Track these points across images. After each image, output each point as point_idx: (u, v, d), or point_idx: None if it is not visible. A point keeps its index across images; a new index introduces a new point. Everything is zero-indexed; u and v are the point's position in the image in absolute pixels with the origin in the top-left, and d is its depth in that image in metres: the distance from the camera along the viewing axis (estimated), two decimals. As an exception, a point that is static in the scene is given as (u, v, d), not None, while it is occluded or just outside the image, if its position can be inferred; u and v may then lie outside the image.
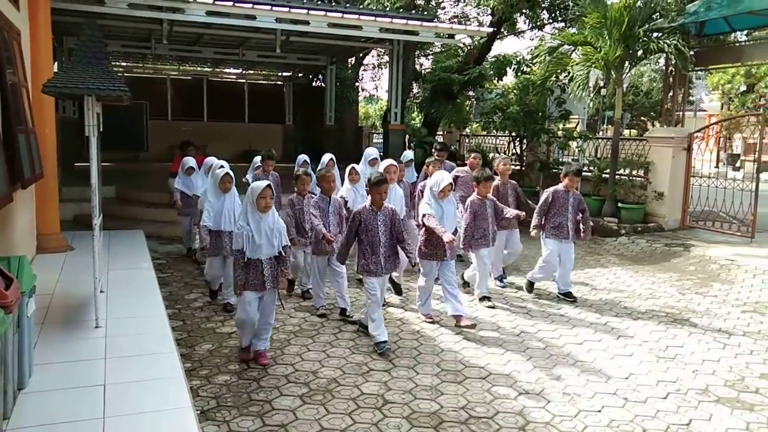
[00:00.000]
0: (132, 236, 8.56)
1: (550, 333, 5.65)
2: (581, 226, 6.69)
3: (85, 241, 6.52)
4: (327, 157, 7.79)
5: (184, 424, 3.41)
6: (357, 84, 22.63)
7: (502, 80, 16.29)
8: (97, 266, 4.99)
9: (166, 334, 4.80)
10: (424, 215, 5.61)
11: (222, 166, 6.24)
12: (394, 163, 6.66)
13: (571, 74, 11.73)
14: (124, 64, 19.04)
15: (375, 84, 29.56)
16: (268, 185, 4.60)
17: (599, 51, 10.79)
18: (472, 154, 8.12)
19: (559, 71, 12.28)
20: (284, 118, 19.84)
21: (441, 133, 18.86)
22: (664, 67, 13.18)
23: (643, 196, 11.21)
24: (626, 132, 24.25)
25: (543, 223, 6.75)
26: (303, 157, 8.20)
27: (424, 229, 5.64)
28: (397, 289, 6.71)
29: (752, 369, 4.91)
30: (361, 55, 20.89)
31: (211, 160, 7.43)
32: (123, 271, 6.66)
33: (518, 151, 14.54)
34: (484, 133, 17.17)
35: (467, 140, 18.24)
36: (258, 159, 8.25)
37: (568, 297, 6.73)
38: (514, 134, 14.43)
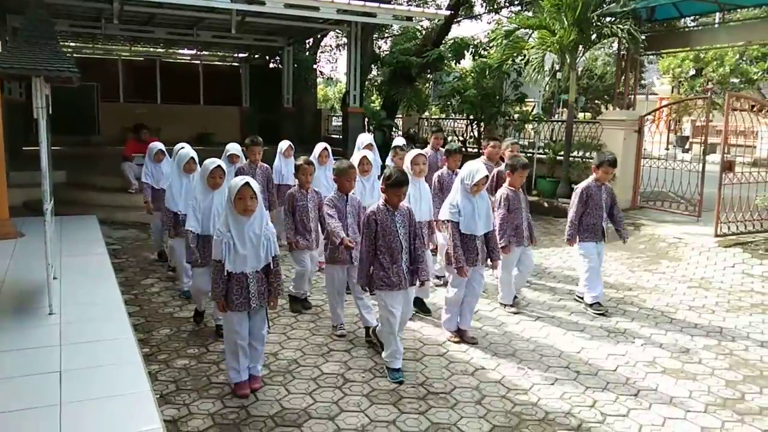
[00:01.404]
0: (85, 222, 8.37)
1: (505, 313, 5.80)
2: (616, 226, 5.93)
3: (36, 227, 6.34)
4: (321, 146, 7.23)
5: (144, 408, 3.41)
6: (315, 66, 22.44)
7: (459, 63, 16.40)
8: (50, 252, 4.88)
9: (122, 320, 4.75)
10: (446, 221, 4.86)
11: (214, 160, 5.10)
12: (423, 152, 5.68)
13: (527, 58, 11.89)
14: (72, 44, 18.40)
15: (333, 66, 29.40)
16: (246, 183, 3.72)
17: (554, 35, 10.97)
18: (491, 143, 7.19)
19: (515, 55, 12.43)
20: (241, 100, 19.54)
21: (400, 116, 18.92)
22: (616, 51, 13.47)
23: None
24: (581, 115, 24.74)
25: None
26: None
27: (449, 232, 4.85)
28: (424, 308, 5.65)
29: (696, 341, 5.15)
30: (319, 36, 20.69)
31: (180, 147, 6.51)
32: (76, 257, 6.53)
33: (476, 133, 14.72)
34: (443, 115, 17.32)
35: (426, 123, 18.35)
36: (231, 147, 7.20)
37: (597, 309, 5.85)
38: (471, 117, 14.60)
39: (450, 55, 15.58)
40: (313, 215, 5.42)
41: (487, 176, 4.78)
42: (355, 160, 5.74)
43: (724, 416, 3.87)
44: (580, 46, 11.41)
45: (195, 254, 4.79)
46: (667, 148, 20.37)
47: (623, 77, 12.59)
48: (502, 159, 6.74)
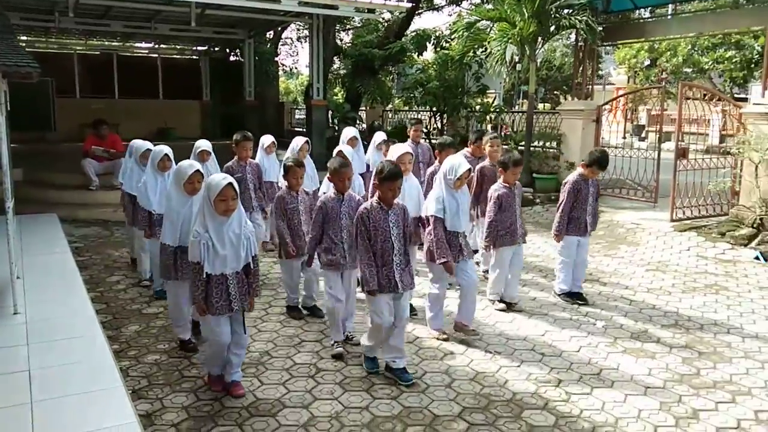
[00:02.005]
0: (45, 220, 8.18)
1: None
2: (591, 218, 5.89)
3: (-5, 225, 6.19)
4: (300, 140, 6.82)
5: (117, 403, 3.40)
6: (277, 58, 22.25)
7: (422, 55, 16.50)
8: (13, 251, 4.80)
9: (90, 317, 4.70)
10: (430, 217, 4.65)
11: (192, 164, 4.48)
12: (410, 150, 5.38)
13: (488, 50, 12.05)
14: (25, 38, 17.81)
15: (296, 59, 29.18)
16: (229, 184, 3.54)
17: (514, 27, 11.14)
18: (490, 139, 6.61)
19: (476, 47, 12.58)
20: (201, 94, 19.24)
21: (364, 108, 18.95)
22: (574, 43, 13.76)
23: (556, 167, 11.78)
24: (541, 106, 25.15)
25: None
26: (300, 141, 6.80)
27: (432, 227, 4.61)
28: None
29: (654, 321, 5.37)
30: (280, 29, 20.52)
31: (142, 144, 6.18)
32: (38, 256, 6.40)
33: (439, 125, 14.87)
34: (406, 108, 17.41)
35: (390, 115, 18.42)
36: (201, 143, 6.74)
37: (579, 298, 5.86)
38: (434, 109, 14.73)
39: (412, 47, 15.67)
40: (305, 218, 5.03)
41: (469, 170, 4.67)
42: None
43: (680, 391, 4.07)
44: (540, 38, 11.62)
45: (171, 271, 4.35)
46: (624, 137, 20.84)
47: (581, 68, 12.86)
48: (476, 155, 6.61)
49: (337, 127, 15.62)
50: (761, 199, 8.18)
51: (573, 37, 13.07)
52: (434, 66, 14.74)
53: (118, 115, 15.14)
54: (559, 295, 5.92)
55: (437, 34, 15.91)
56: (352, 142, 7.02)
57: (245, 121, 17.28)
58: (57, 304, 4.97)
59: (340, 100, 18.27)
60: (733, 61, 23.45)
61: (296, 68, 32.52)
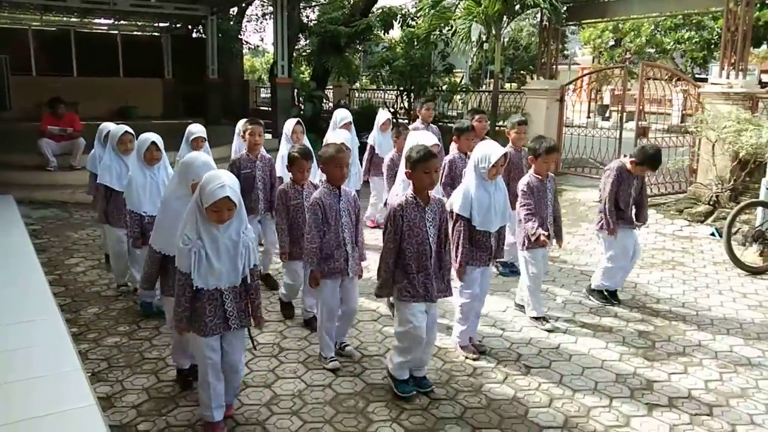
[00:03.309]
0: (0, 202, 7.95)
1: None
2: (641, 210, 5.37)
3: (-54, 207, 6.00)
4: (292, 122, 6.13)
5: (76, 386, 3.36)
6: (241, 36, 21.85)
7: (388, 33, 16.38)
8: (-36, 233, 4.66)
9: (47, 299, 4.61)
10: (454, 213, 4.05)
11: (206, 161, 3.50)
12: (437, 141, 4.69)
13: (454, 28, 12.02)
14: (-27, 12, 17.14)
15: (262, 36, 28.68)
16: (226, 198, 2.89)
17: (480, 5, 11.12)
18: (476, 117, 6.28)
19: (442, 25, 12.54)
20: (163, 71, 18.81)
21: (330, 86, 18.77)
22: (539, 22, 13.80)
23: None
24: (508, 85, 25.27)
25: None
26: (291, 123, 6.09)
27: (460, 227, 4.01)
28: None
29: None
30: (244, 5, 20.12)
31: (111, 127, 5.32)
32: (-7, 238, 6.23)
33: (406, 104, 14.83)
34: (374, 87, 17.31)
35: (357, 94, 18.30)
36: (195, 128, 6.11)
37: (614, 298, 5.36)
38: (402, 88, 14.67)
39: (378, 24, 15.52)
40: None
41: (506, 155, 4.02)
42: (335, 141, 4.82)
43: (636, 363, 4.20)
44: (505, 17, 11.62)
45: (150, 282, 3.67)
46: (589, 117, 21.16)
47: (546, 48, 12.93)
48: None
49: (303, 106, 15.46)
50: (717, 177, 8.41)
51: (539, 16, 13.09)
52: (401, 44, 14.65)
53: (76, 94, 14.71)
54: (593, 290, 5.37)
55: (403, 11, 15.77)
56: (347, 126, 6.51)
57: (208, 100, 17.01)
58: (14, 287, 4.86)
59: (306, 79, 18.06)
60: (694, 41, 23.86)
61: (262, 46, 31.98)
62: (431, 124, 7.52)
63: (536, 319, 4.79)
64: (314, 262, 3.86)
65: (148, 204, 4.45)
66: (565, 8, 11.70)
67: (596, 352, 4.36)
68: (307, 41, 18.52)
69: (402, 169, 4.39)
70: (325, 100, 17.42)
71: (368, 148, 7.55)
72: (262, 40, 29.99)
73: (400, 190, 4.40)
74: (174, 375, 3.82)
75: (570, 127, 11.65)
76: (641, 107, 9.69)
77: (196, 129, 6.13)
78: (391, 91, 15.93)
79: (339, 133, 5.59)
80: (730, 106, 8.66)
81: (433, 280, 3.53)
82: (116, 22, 19.04)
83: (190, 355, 3.57)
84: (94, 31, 19.59)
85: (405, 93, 14.74)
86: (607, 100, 26.82)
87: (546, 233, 4.54)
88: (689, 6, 12.46)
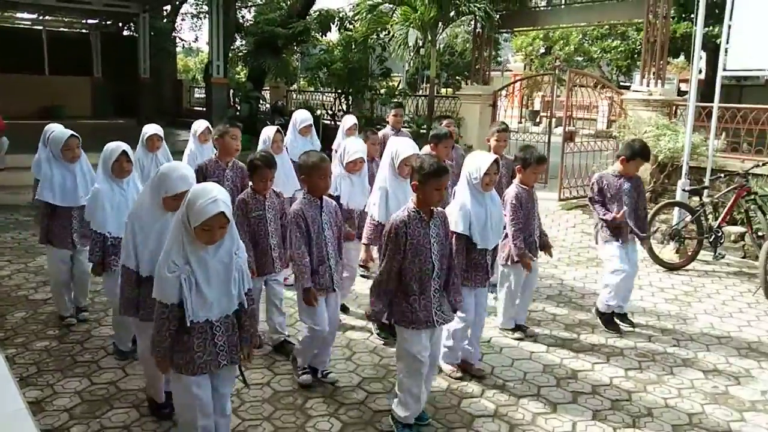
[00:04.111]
0: None
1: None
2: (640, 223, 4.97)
3: None
4: (272, 130, 5.60)
5: (3, 391, 3.25)
6: (175, 34, 21.37)
7: (326, 36, 16.44)
8: None
9: (-30, 304, 4.42)
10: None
11: (177, 165, 3.20)
12: (418, 150, 4.40)
13: (391, 33, 12.22)
14: None
15: (198, 34, 28.11)
16: (221, 213, 2.55)
17: (416, 11, 11.35)
18: (444, 121, 6.02)
19: (379, 29, 12.72)
20: (92, 69, 18.19)
21: (267, 88, 18.64)
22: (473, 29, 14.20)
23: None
24: (444, 90, 25.73)
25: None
26: (270, 130, 5.61)
27: (455, 247, 3.58)
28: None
29: (541, 292, 5.75)
30: (178, 2, 19.71)
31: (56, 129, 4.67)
32: None
33: (344, 107, 14.92)
34: (311, 89, 17.32)
35: (294, 96, 18.24)
36: (150, 128, 5.57)
37: (610, 324, 4.94)
38: (339, 90, 14.76)
39: (316, 27, 15.58)
40: (274, 228, 4.06)
41: (497, 160, 3.75)
42: (349, 152, 4.60)
43: (562, 354, 4.43)
44: (440, 23, 11.92)
45: (132, 307, 3.20)
46: (520, 122, 21.84)
47: (479, 54, 13.32)
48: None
49: (239, 107, 15.29)
50: (638, 180, 8.90)
51: (473, 23, 13.48)
52: (338, 47, 14.74)
53: (-3, 91, 14.03)
54: (603, 314, 4.95)
55: (341, 14, 15.90)
56: (308, 129, 6.24)
57: (140, 99, 16.58)
58: (-69, 292, 4.63)
59: (242, 79, 17.87)
60: (619, 51, 25.01)
61: (196, 46, 31.36)
62: (401, 130, 7.15)
63: (505, 330, 4.71)
64: (307, 278, 3.56)
65: (113, 223, 3.81)
66: (498, 16, 12.10)
67: (525, 345, 4.57)
68: (243, 41, 18.33)
69: (380, 177, 4.31)
70: (261, 101, 17.29)
71: (333, 154, 6.96)
72: (196, 39, 29.47)
73: (377, 199, 4.30)
74: (109, 378, 3.76)
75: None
76: (569, 113, 10.14)
77: (150, 128, 5.60)
78: (330, 94, 15.99)
79: (354, 142, 4.82)
80: (650, 113, 9.20)
81: (434, 303, 3.20)
82: (41, 18, 18.25)
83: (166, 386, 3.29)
84: (17, 26, 18.72)
85: (343, 96, 14.83)
86: (537, 106, 27.77)
87: (530, 256, 4.37)
88: (613, 17, 13.12)
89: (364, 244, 4.46)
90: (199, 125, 6.30)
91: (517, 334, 4.70)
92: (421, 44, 12.85)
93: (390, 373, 4.02)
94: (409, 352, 3.20)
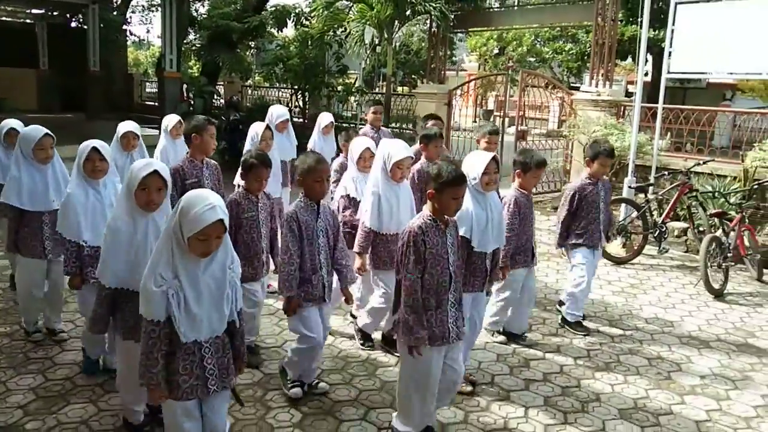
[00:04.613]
0: None
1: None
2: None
3: None
4: (260, 127, 5.32)
5: (-47, 388, 3.18)
6: (126, 27, 20.84)
7: (282, 31, 16.34)
8: None
9: None
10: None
11: (150, 162, 3.01)
12: (411, 153, 4.22)
13: (348, 30, 12.27)
14: None
15: (150, 27, 27.47)
16: (220, 221, 2.38)
17: (372, 9, 11.43)
18: (429, 122, 5.77)
19: (336, 26, 12.74)
20: (38, 62, 17.54)
21: (222, 83, 18.40)
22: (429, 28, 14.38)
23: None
24: (400, 89, 25.90)
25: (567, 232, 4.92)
26: (257, 127, 5.30)
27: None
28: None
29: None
30: (128, -5, 19.24)
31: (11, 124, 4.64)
32: None
33: (301, 104, 14.87)
34: (267, 84, 17.18)
35: (249, 91, 18.07)
36: (126, 125, 5.13)
37: (579, 327, 4.95)
38: (296, 87, 14.71)
39: (272, 22, 15.46)
40: (266, 231, 3.88)
41: (495, 158, 3.56)
42: (355, 149, 4.48)
43: (514, 344, 4.59)
44: (396, 22, 12.03)
45: (102, 324, 2.99)
46: (475, 121, 22.23)
47: (435, 53, 13.49)
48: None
49: (192, 101, 15.06)
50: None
51: (428, 22, 13.65)
52: (295, 43, 14.67)
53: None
54: (570, 323, 4.95)
55: (297, 10, 15.81)
56: (284, 124, 6.08)
57: (89, 93, 16.12)
58: None
59: (195, 74, 17.59)
60: (570, 52, 25.69)
61: (148, 39, 30.65)
62: (382, 128, 6.90)
63: (492, 332, 4.65)
64: (292, 286, 3.38)
65: (89, 231, 3.45)
66: (453, 16, 12.29)
67: (480, 337, 4.69)
68: (197, 35, 18.03)
69: (372, 181, 4.11)
70: (216, 96, 17.06)
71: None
72: (148, 32, 28.80)
73: (369, 205, 4.09)
74: (64, 374, 3.72)
75: (457, 131, 12.25)
76: (522, 112, 10.40)
77: (124, 126, 5.14)
78: (286, 90, 15.90)
79: (360, 139, 4.71)
80: (598, 113, 9.53)
81: (450, 317, 3.01)
82: (-19, 6, 17.54)
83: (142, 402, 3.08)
84: (-45, 14, 17.93)
85: (299, 92, 14.78)
86: (491, 105, 28.26)
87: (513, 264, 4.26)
88: (564, 19, 13.51)
89: (356, 252, 4.14)
90: (171, 120, 5.99)
91: (501, 337, 4.62)
92: (377, 42, 12.94)
93: (348, 365, 4.09)
94: (419, 371, 3.00)
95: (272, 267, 4.07)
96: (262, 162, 3.75)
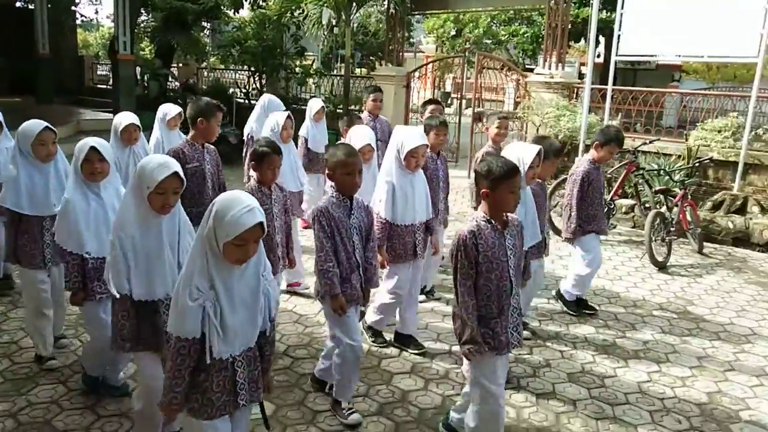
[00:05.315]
0: None
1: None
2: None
3: None
4: (281, 117, 5.14)
5: None
6: (74, 8, 20.21)
7: (238, 13, 16.13)
8: None
9: None
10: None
11: (165, 161, 2.68)
12: (426, 141, 4.03)
13: (305, 12, 12.22)
14: None
15: (99, 8, 26.64)
16: (260, 224, 2.18)
17: (330, -10, 11.42)
18: (429, 107, 5.78)
19: (293, 8, 12.67)
20: (-18, 44, 16.90)
21: (176, 65, 18.09)
22: (386, 10, 14.41)
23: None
24: (358, 71, 25.88)
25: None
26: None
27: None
28: (417, 345, 4.20)
29: (446, 264, 6.12)
30: (76, -26, 18.64)
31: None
32: None
33: (258, 86, 14.77)
34: (223, 66, 16.97)
35: (206, 74, 17.82)
36: (124, 117, 4.74)
37: (588, 309, 5.05)
38: (253, 69, 14.59)
39: (228, 3, 15.26)
40: (279, 224, 3.72)
41: (539, 153, 3.48)
42: (356, 142, 4.22)
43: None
44: (354, 3, 12.04)
45: (124, 341, 2.70)
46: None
47: (393, 35, 13.56)
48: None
49: (147, 84, 14.79)
50: (541, 158, 9.51)
51: (386, 4, 13.68)
52: (252, 25, 14.53)
53: None
54: (567, 301, 5.02)
55: (253, -9, 15.64)
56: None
57: (39, 77, 15.65)
58: None
59: (148, 56, 17.23)
60: (525, 35, 26.06)
61: (97, 20, 29.72)
62: (379, 116, 6.76)
63: None
64: (335, 284, 3.16)
65: (92, 241, 3.11)
66: (410, -2, 12.38)
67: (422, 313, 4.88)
68: (150, 16, 17.64)
69: (385, 170, 3.94)
70: (171, 79, 16.78)
71: (300, 140, 6.57)
72: (97, 12, 27.91)
73: (384, 195, 3.93)
74: (30, 357, 3.76)
75: (416, 113, 12.39)
76: (478, 94, 10.61)
77: (124, 117, 4.74)
78: (243, 72, 15.76)
79: (360, 128, 4.63)
80: (551, 94, 9.81)
81: (512, 324, 2.82)
82: None
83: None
84: None
85: (257, 74, 14.67)
86: (449, 88, 28.48)
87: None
88: (519, 2, 13.78)
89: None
90: (169, 109, 5.63)
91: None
92: (334, 23, 12.92)
93: (314, 340, 4.23)
94: (482, 383, 2.81)
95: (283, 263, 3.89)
96: (273, 149, 3.61)
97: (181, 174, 2.62)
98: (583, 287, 4.98)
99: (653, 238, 6.30)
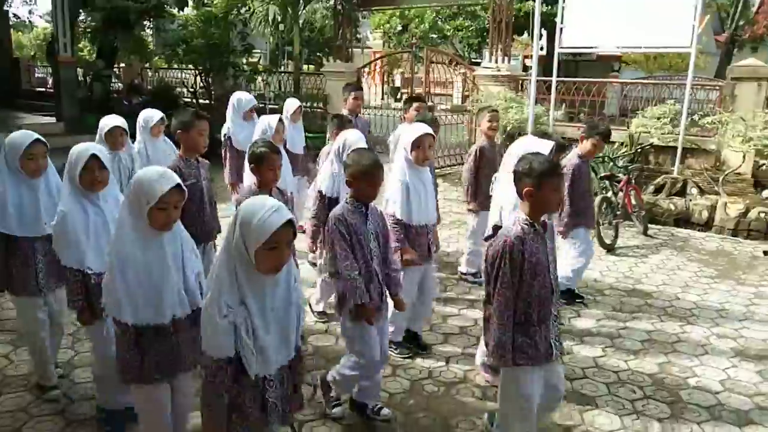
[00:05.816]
0: None
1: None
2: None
3: None
4: (274, 119, 5.08)
5: None
6: (6, 8, 19.43)
7: (183, 11, 15.83)
8: None
9: None
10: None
11: (165, 173, 2.48)
12: (431, 131, 3.90)
13: (251, 9, 12.13)
14: None
15: (34, 8, 25.63)
16: (289, 222, 2.07)
17: (276, -13, 11.39)
18: (414, 104, 5.55)
19: (239, 5, 12.56)
20: None
21: (119, 66, 17.63)
22: (333, 6, 14.44)
23: (323, 125, 12.46)
24: (305, 67, 25.79)
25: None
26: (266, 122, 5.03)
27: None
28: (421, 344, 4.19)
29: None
30: (8, -27, 17.90)
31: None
32: None
33: (205, 85, 14.57)
34: (167, 66, 16.66)
35: (150, 74, 17.45)
36: (110, 120, 4.43)
37: (578, 298, 5.13)
38: (200, 68, 14.39)
39: (171, 1, 14.96)
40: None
41: (553, 148, 3.38)
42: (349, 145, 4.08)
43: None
44: (301, 0, 12.05)
45: (135, 372, 2.49)
46: (383, 98, 22.55)
47: (340, 31, 13.61)
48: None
49: (91, 86, 14.38)
50: (492, 149, 9.77)
51: (332, 0, 13.72)
52: (197, 23, 14.31)
53: None
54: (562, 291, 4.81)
55: (198, -11, 15.41)
56: (252, 111, 5.93)
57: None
58: None
59: (88, 57, 16.74)
60: (470, 29, 26.50)
61: (30, 19, 28.60)
62: (360, 115, 6.59)
63: None
64: (362, 291, 3.01)
65: (93, 256, 2.89)
66: (357, -6, 12.45)
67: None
68: (89, 16, 17.12)
69: (397, 170, 3.83)
70: (114, 80, 16.36)
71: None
72: (31, 12, 26.86)
73: (398, 195, 3.79)
74: (-10, 366, 3.66)
75: (366, 108, 12.48)
76: (427, 89, 10.78)
77: (110, 120, 4.41)
78: (188, 71, 15.50)
79: (353, 132, 4.41)
80: (499, 87, 10.08)
81: (553, 332, 2.71)
82: None
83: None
84: None
85: (203, 73, 14.47)
86: (398, 83, 28.66)
87: None
88: (463, -3, 13.98)
89: (396, 246, 3.71)
90: (151, 115, 5.21)
91: None
92: (280, 20, 12.86)
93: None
94: (518, 392, 2.72)
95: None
96: (272, 149, 3.49)
97: (183, 186, 2.44)
98: (575, 279, 5.03)
99: (601, 222, 6.59)
